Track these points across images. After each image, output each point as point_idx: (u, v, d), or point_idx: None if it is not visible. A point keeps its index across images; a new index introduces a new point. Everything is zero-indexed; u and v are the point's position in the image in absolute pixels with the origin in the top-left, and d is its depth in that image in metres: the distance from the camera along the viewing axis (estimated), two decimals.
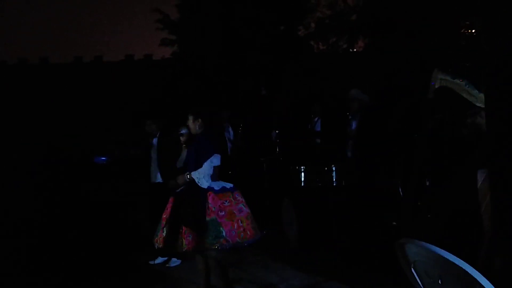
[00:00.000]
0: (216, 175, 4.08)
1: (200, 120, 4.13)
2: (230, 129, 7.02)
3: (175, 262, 5.46)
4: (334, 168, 4.95)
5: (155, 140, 5.67)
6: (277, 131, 6.53)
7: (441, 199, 4.04)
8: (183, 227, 3.82)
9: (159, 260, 5.55)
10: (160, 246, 3.96)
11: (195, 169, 3.99)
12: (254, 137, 6.76)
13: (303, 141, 6.30)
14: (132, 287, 4.88)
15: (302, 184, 5.24)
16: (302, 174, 5.22)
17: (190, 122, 4.14)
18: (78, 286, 4.82)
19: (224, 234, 3.79)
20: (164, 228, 3.95)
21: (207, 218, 3.81)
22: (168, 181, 5.44)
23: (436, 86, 3.59)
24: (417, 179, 4.07)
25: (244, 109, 9.29)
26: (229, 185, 4.06)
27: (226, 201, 3.92)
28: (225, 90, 11.03)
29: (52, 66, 17.01)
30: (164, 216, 4.02)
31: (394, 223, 4.71)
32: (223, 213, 3.85)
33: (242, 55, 11.50)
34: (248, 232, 3.92)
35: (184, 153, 4.32)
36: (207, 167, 3.95)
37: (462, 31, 9.43)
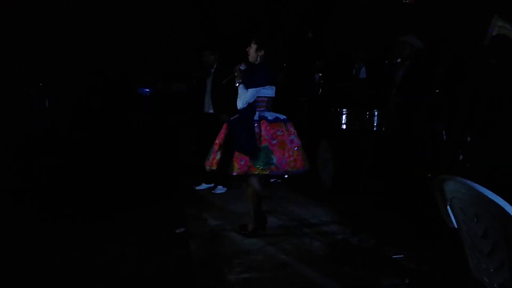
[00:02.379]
0: (270, 106, 4.17)
1: (263, 51, 4.14)
2: None
3: (220, 189, 5.69)
4: (376, 113, 4.92)
5: (211, 71, 5.72)
6: (320, 74, 6.48)
7: (481, 154, 4.01)
8: (236, 152, 3.95)
9: (203, 186, 5.81)
10: (214, 168, 4.10)
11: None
12: (296, 77, 6.74)
13: (346, 85, 6.24)
14: (175, 209, 5.12)
15: (342, 127, 5.25)
16: (343, 116, 5.22)
17: (253, 50, 4.14)
18: (125, 208, 5.09)
19: (274, 161, 3.96)
20: (218, 152, 4.09)
21: (260, 145, 3.97)
22: (220, 113, 5.60)
23: (494, 34, 3.47)
24: (460, 130, 4.03)
25: (287, 50, 9.20)
26: (282, 116, 4.17)
27: (278, 131, 4.05)
28: (268, 30, 10.88)
29: None
30: (217, 141, 4.15)
31: (429, 175, 4.70)
32: (275, 141, 4.00)
33: None
34: (298, 162, 4.08)
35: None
36: (250, 94, 4.04)
37: None
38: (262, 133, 4.00)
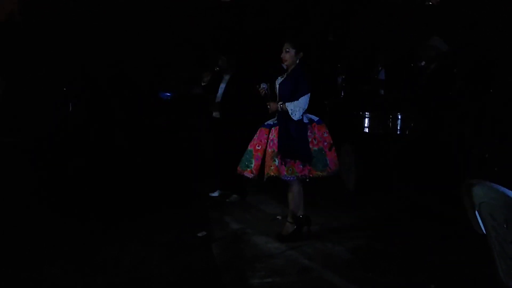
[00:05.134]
0: None
1: (301, 54, 4.09)
2: None
3: (235, 198, 5.63)
4: (399, 117, 4.85)
5: (227, 77, 5.63)
6: (343, 77, 6.44)
7: (509, 158, 3.93)
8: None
9: (216, 193, 5.75)
10: (255, 174, 4.06)
11: (289, 101, 4.02)
12: (318, 80, 6.70)
13: (369, 88, 6.18)
14: (197, 212, 5.15)
15: (365, 130, 5.20)
16: (366, 120, 5.17)
17: (291, 54, 4.06)
18: (143, 211, 5.15)
19: (328, 162, 4.07)
20: (263, 159, 4.04)
21: (315, 148, 4.03)
22: (227, 116, 5.51)
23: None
24: (487, 133, 3.96)
25: (309, 53, 9.17)
26: (317, 118, 4.21)
27: (325, 133, 4.13)
28: (291, 33, 10.88)
29: None
30: (259, 148, 4.07)
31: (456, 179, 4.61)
32: (326, 143, 4.08)
33: None
34: (336, 163, 4.16)
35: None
36: (303, 102, 4.00)
37: None
38: (316, 135, 4.07)
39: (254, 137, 4.15)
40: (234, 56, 5.60)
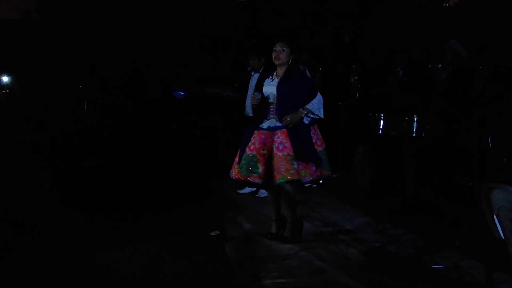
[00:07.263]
0: None
1: (293, 55, 4.07)
2: (307, 71, 6.94)
3: (264, 193, 5.66)
4: (415, 119, 4.79)
5: (256, 75, 5.63)
6: (356, 77, 6.39)
7: None
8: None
9: (247, 190, 5.79)
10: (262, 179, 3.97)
11: (290, 102, 3.98)
12: (333, 81, 6.67)
13: (384, 89, 6.13)
14: (211, 211, 5.15)
15: (380, 132, 5.15)
16: (381, 121, 5.11)
17: (286, 54, 4.03)
18: (156, 209, 5.16)
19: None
20: (265, 163, 3.98)
21: (320, 149, 4.02)
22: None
23: None
24: (507, 137, 3.91)
25: (325, 53, 9.16)
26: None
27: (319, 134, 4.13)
28: (307, 33, 10.88)
29: None
30: (264, 152, 3.97)
31: (471, 183, 4.56)
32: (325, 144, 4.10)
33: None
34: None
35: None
36: (319, 99, 4.00)
37: None
38: (320, 135, 4.06)
39: (252, 141, 4.00)
40: (265, 56, 5.64)
